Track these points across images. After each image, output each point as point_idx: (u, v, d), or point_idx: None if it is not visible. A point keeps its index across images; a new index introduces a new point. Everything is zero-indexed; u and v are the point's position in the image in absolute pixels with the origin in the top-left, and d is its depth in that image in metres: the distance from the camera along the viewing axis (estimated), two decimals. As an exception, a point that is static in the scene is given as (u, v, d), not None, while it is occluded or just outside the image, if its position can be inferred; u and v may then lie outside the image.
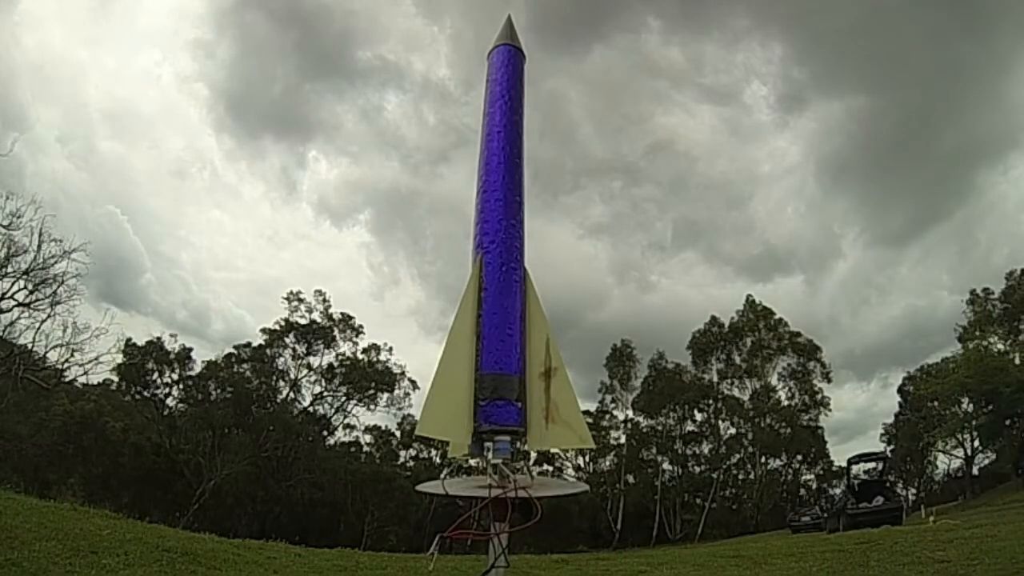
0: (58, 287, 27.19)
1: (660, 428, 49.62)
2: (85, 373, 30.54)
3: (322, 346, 46.27)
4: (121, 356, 37.17)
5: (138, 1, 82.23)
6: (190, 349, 43.76)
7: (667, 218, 78.17)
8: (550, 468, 50.29)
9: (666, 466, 50.14)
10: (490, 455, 3.39)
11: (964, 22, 60.03)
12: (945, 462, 45.28)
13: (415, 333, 66.37)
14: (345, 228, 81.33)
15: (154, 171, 75.90)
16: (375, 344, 47.42)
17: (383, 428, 49.56)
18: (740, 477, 50.48)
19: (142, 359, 41.37)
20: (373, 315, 74.10)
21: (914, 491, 46.41)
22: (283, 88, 76.37)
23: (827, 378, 48.81)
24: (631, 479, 49.58)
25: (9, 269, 26.47)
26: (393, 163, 79.53)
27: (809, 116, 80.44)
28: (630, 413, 50.33)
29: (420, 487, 3.57)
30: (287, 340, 45.69)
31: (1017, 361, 38.94)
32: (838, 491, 31.83)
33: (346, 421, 47.86)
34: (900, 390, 47.54)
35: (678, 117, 76.65)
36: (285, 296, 46.74)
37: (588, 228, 70.75)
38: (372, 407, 47.26)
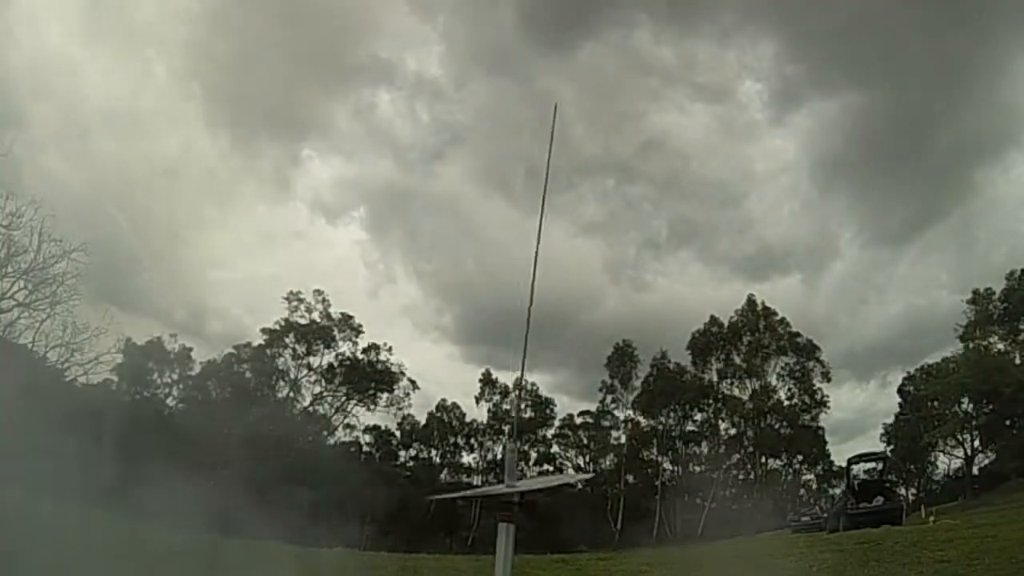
0: (58, 287, 27.19)
1: (660, 428, 49.61)
2: (85, 373, 30.52)
3: (322, 346, 46.30)
4: (121, 356, 37.14)
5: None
6: (190, 349, 43.85)
7: (661, 216, 77.99)
8: (550, 468, 50.38)
9: (666, 466, 50.16)
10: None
11: (960, 19, 59.78)
12: (945, 462, 45.25)
13: (410, 332, 66.19)
14: (340, 226, 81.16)
15: (151, 170, 75.70)
16: (375, 344, 47.50)
17: (383, 428, 49.65)
18: (740, 477, 50.45)
19: (142, 359, 41.38)
20: (368, 313, 73.65)
21: (914, 491, 46.35)
22: (276, 87, 76.26)
23: (827, 378, 48.82)
24: (631, 479, 49.57)
25: (9, 269, 26.46)
26: (387, 161, 79.36)
27: (804, 114, 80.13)
28: (630, 413, 50.40)
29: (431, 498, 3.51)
30: (287, 340, 45.72)
31: (1017, 361, 38.91)
32: (838, 491, 31.85)
33: (346, 421, 47.94)
34: (900, 390, 47.46)
35: (671, 115, 76.37)
36: (285, 296, 46.77)
37: (582, 227, 70.42)
38: (372, 407, 47.33)
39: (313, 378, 46.30)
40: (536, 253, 2.81)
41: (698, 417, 50.05)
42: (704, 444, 50.15)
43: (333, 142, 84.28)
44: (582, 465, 51.46)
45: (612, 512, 46.89)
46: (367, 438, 49.47)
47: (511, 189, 54.28)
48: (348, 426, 48.01)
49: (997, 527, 10.95)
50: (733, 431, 49.81)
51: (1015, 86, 61.20)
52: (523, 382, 47.46)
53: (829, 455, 48.18)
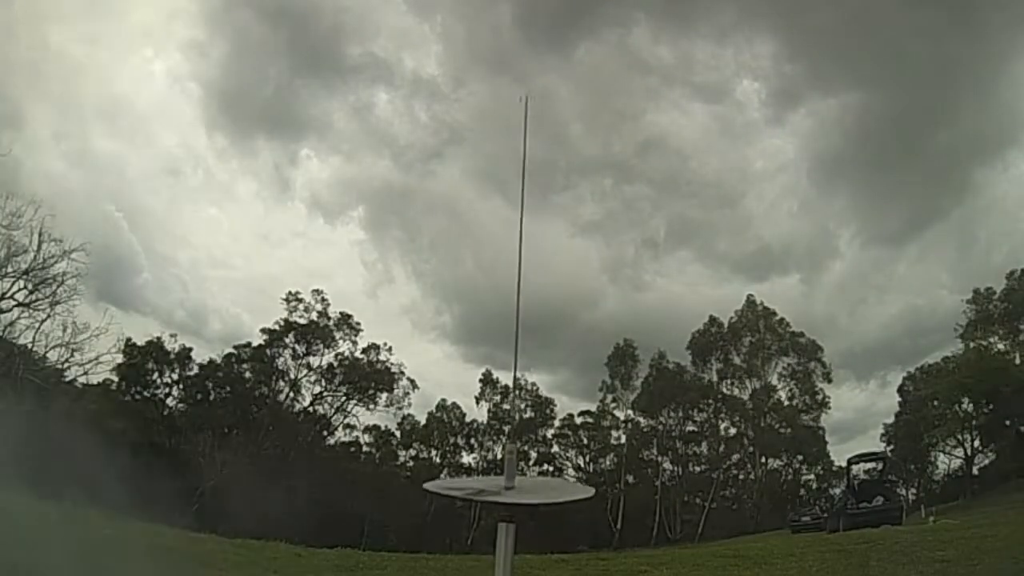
0: (58, 287, 27.26)
1: (660, 428, 49.63)
2: (85, 373, 30.67)
3: (321, 346, 46.31)
4: (121, 356, 37.18)
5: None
6: (190, 349, 43.83)
7: (660, 216, 77.89)
8: (550, 468, 50.38)
9: (666, 466, 50.17)
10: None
11: (958, 18, 59.76)
12: (945, 462, 45.24)
13: (409, 331, 66.23)
14: (339, 226, 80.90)
15: (149, 169, 75.85)
16: (374, 344, 47.49)
17: (383, 428, 49.65)
18: (740, 477, 50.46)
19: (142, 359, 41.39)
20: (367, 313, 73.73)
21: (914, 491, 46.35)
22: (275, 86, 76.13)
23: (827, 378, 48.84)
24: (631, 479, 49.58)
25: (9, 269, 26.52)
26: (385, 160, 79.15)
27: (803, 113, 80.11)
28: (630, 413, 50.42)
29: (428, 485, 3.50)
30: (287, 340, 45.73)
31: (1017, 361, 38.92)
32: (838, 491, 31.83)
33: (346, 421, 47.94)
34: (900, 390, 47.52)
35: (669, 114, 76.25)
36: (284, 296, 46.78)
37: (580, 226, 70.54)
38: (371, 407, 47.32)
39: (313, 378, 46.34)
40: (520, 245, 2.78)
41: (698, 417, 50.10)
42: (704, 444, 50.18)
43: (331, 142, 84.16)
44: (582, 465, 51.47)
45: (612, 512, 46.88)
46: (367, 438, 49.55)
47: (509, 188, 54.29)
48: (348, 426, 48.09)
49: (997, 527, 10.95)
50: (733, 431, 49.88)
51: (1015, 86, 61.23)
52: (523, 382, 47.52)
53: (829, 455, 48.29)
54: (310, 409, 46.27)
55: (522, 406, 48.66)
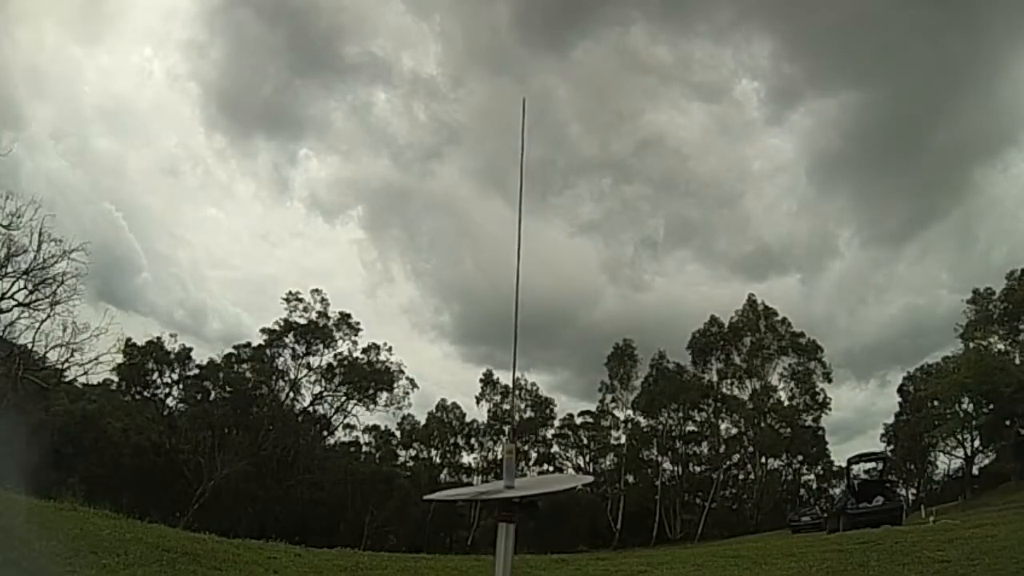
0: (58, 287, 27.28)
1: (660, 428, 49.62)
2: (85, 373, 30.70)
3: (321, 346, 46.30)
4: (121, 356, 37.21)
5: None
6: (190, 349, 43.90)
7: (659, 216, 78.16)
8: (550, 468, 50.40)
9: (666, 466, 50.16)
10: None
11: (957, 17, 59.90)
12: (945, 462, 45.29)
13: (408, 331, 66.29)
14: (338, 225, 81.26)
15: (148, 169, 76.01)
16: (374, 343, 47.50)
17: (383, 428, 49.68)
18: (740, 477, 50.45)
19: (142, 359, 41.41)
20: (366, 313, 73.80)
21: (914, 491, 46.36)
22: (273, 86, 76.24)
23: (827, 378, 48.83)
24: (631, 479, 49.58)
25: (9, 269, 26.54)
26: (384, 160, 79.16)
27: (802, 112, 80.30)
28: (630, 413, 50.41)
29: (429, 497, 3.50)
30: (286, 340, 45.73)
31: (1017, 361, 38.93)
32: (838, 491, 31.81)
33: (346, 421, 47.95)
34: (900, 390, 47.56)
35: (667, 114, 76.36)
36: (284, 297, 46.77)
37: (579, 226, 70.69)
38: (371, 407, 47.33)
39: (313, 378, 46.34)
40: (519, 245, 2.78)
41: (698, 417, 50.07)
42: (704, 444, 50.17)
43: (330, 141, 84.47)
44: (582, 465, 51.45)
45: (612, 512, 46.90)
46: (367, 438, 49.57)
47: (509, 188, 54.38)
48: (348, 426, 48.10)
49: (997, 527, 10.94)
50: (733, 431, 49.87)
51: (1014, 86, 61.32)
52: (523, 382, 47.55)
53: (829, 455, 48.30)
54: (310, 409, 46.28)
55: (522, 406, 48.69)
